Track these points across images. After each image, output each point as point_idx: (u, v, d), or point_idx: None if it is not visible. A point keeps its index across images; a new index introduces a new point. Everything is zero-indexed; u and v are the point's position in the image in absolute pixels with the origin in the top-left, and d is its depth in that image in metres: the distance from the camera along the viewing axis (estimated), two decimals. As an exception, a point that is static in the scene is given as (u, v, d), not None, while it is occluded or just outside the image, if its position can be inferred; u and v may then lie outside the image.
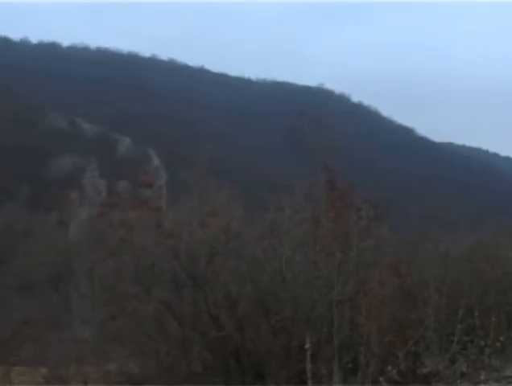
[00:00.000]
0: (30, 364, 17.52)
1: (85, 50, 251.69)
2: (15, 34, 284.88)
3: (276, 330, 11.94)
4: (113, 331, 13.72)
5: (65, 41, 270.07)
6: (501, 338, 12.25)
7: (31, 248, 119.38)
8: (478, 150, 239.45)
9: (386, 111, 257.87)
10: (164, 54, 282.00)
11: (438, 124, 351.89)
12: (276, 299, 12.14)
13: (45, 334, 16.78)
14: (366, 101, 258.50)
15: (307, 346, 10.22)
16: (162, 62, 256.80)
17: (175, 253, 12.49)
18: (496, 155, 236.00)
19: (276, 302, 12.12)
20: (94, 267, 14.17)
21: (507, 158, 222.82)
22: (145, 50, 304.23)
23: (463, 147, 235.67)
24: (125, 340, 13.55)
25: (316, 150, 13.19)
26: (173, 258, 12.53)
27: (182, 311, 12.51)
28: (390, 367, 10.82)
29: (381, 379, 10.28)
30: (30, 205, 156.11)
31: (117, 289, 13.73)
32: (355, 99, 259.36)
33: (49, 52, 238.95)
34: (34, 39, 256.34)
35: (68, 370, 14.41)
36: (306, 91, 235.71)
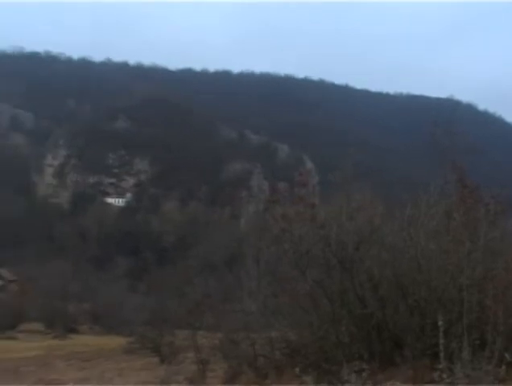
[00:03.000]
0: (210, 329, 18.15)
1: (251, 75, 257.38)
2: (197, 65, 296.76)
3: (412, 308, 11.63)
4: (274, 306, 13.92)
5: (235, 68, 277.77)
6: None
7: (210, 236, 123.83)
8: None
9: (510, 117, 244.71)
10: (315, 74, 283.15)
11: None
12: (412, 282, 11.82)
13: (221, 306, 17.30)
14: (491, 109, 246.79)
15: (440, 323, 9.87)
16: (312, 81, 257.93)
17: (327, 242, 12.46)
18: None
19: (412, 285, 11.79)
20: (260, 252, 14.43)
21: None
22: (299, 72, 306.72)
23: None
24: (285, 313, 13.71)
25: (448, 153, 12.74)
26: (325, 246, 12.51)
27: (332, 290, 12.46)
28: (514, 345, 10.28)
29: (506, 354, 9.77)
30: (209, 202, 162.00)
31: (279, 271, 13.93)
32: (481, 107, 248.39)
33: (223, 78, 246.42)
34: (211, 68, 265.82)
35: (239, 335, 14.77)
36: (437, 102, 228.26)
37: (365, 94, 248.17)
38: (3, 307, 50.56)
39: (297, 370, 12.02)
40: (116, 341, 32.32)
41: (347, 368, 10.79)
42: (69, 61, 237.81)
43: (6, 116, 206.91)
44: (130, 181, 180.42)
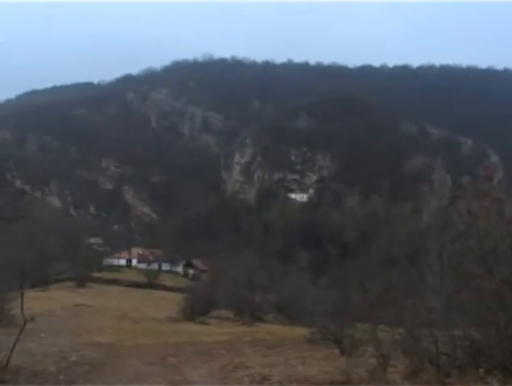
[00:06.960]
0: (390, 324, 17.74)
1: (431, 68, 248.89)
2: (376, 62, 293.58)
3: None
4: (458, 303, 13.21)
5: (414, 62, 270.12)
6: None
7: (391, 230, 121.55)
8: None
9: None
10: (499, 64, 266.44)
11: None
12: None
13: (402, 301, 16.82)
14: None
15: None
16: (497, 71, 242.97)
17: (515, 238, 11.58)
18: None
19: None
20: (443, 248, 13.78)
21: None
22: (482, 62, 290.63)
23: None
24: (469, 311, 12.96)
25: None
26: (513, 243, 11.63)
27: (521, 289, 11.53)
28: None
29: None
30: (390, 197, 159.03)
31: (463, 267, 13.20)
32: None
33: (402, 72, 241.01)
34: (390, 63, 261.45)
35: (420, 331, 14.25)
36: None
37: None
38: (196, 295, 53.74)
39: (481, 371, 11.32)
40: (298, 331, 32.83)
41: (537, 373, 9.93)
42: (254, 65, 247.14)
43: (198, 119, 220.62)
44: (313, 177, 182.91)
